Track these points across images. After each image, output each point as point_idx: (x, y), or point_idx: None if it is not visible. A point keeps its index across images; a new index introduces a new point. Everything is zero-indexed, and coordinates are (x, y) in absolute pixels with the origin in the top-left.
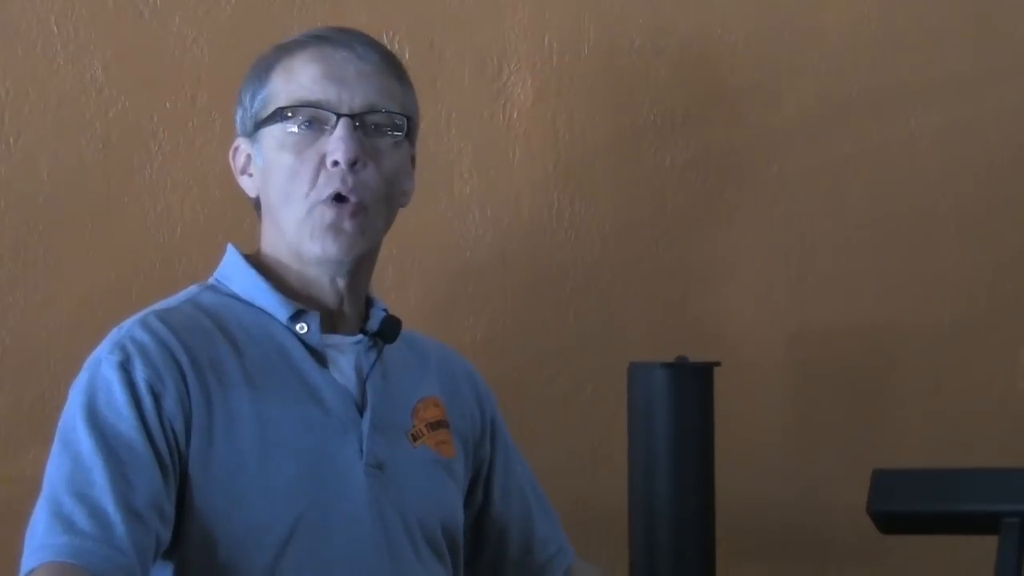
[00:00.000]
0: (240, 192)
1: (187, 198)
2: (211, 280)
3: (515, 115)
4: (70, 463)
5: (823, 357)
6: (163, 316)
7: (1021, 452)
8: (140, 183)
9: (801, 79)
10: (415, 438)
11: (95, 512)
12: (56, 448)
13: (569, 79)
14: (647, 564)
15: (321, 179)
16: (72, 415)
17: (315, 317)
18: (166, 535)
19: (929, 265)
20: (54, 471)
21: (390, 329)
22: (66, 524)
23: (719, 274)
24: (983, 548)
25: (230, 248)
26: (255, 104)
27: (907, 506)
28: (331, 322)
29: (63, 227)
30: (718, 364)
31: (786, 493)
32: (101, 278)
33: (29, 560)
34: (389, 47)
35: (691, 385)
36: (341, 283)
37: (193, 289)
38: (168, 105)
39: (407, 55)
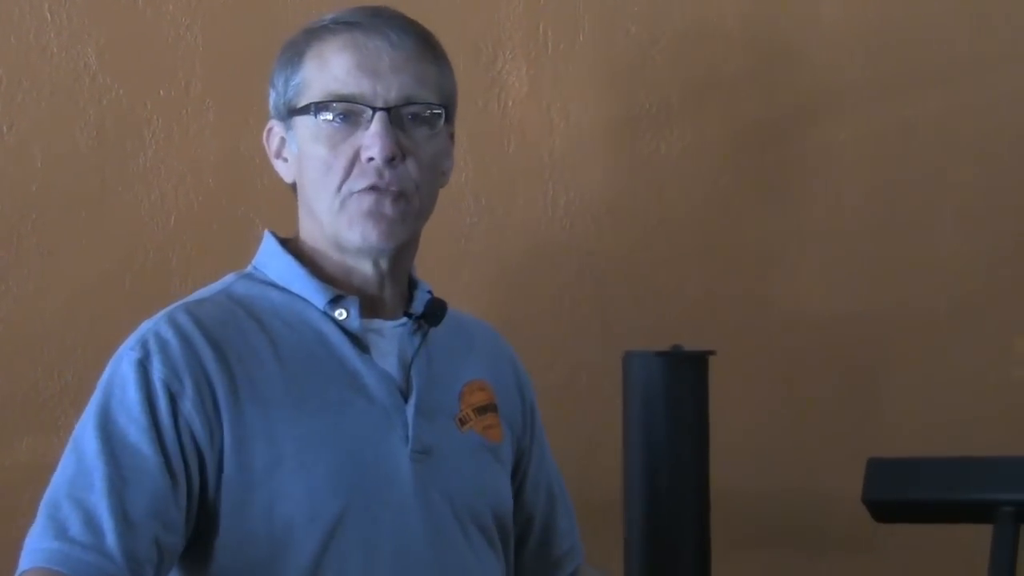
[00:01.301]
0: (235, 180)
1: (181, 186)
2: (249, 268)
3: (510, 104)
4: (74, 464)
5: (818, 346)
6: (192, 309)
7: (1016, 441)
8: (134, 171)
9: (797, 67)
10: (462, 423)
11: (89, 518)
12: (69, 445)
13: (564, 68)
14: (643, 553)
15: (355, 172)
16: (88, 412)
17: (354, 302)
18: (171, 541)
19: (925, 253)
20: (60, 470)
21: (435, 312)
22: (59, 529)
23: (714, 262)
24: (978, 537)
25: (267, 234)
26: (289, 90)
27: (902, 495)
28: (372, 307)
29: (57, 216)
30: (713, 353)
31: (781, 482)
32: (95, 267)
33: (24, 560)
34: None
35: (686, 374)
36: (384, 267)
37: (229, 278)
38: (162, 93)
39: None
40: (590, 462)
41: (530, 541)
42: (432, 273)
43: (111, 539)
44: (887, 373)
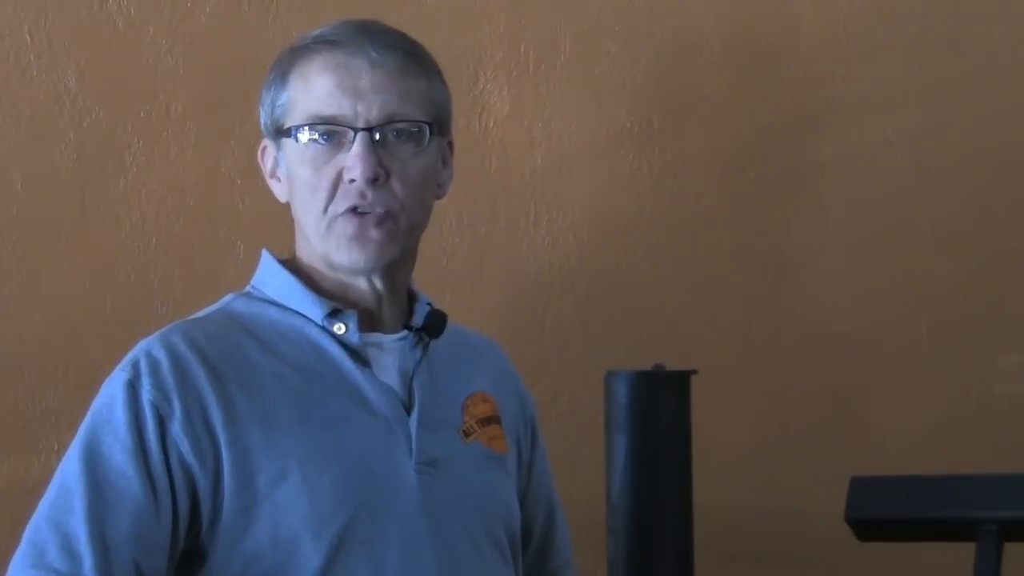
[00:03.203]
0: (216, 201)
1: (162, 208)
2: (247, 287)
3: (491, 123)
4: (58, 487)
5: (800, 364)
6: (188, 329)
7: (999, 458)
8: (115, 193)
9: (778, 86)
10: (467, 434)
11: (67, 543)
12: (60, 464)
13: (545, 87)
14: (626, 572)
15: (339, 194)
16: (78, 434)
17: (352, 316)
18: (153, 564)
19: (905, 270)
20: (48, 490)
21: (435, 324)
22: (37, 555)
23: (696, 282)
24: (961, 555)
25: (264, 253)
26: (276, 110)
27: (885, 513)
28: (371, 321)
29: (37, 238)
30: (695, 372)
31: (764, 501)
32: (75, 288)
33: None
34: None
35: (668, 393)
36: (379, 284)
37: (227, 298)
38: (142, 115)
39: None
40: (572, 481)
41: (529, 554)
42: None
43: (88, 565)
44: (869, 391)
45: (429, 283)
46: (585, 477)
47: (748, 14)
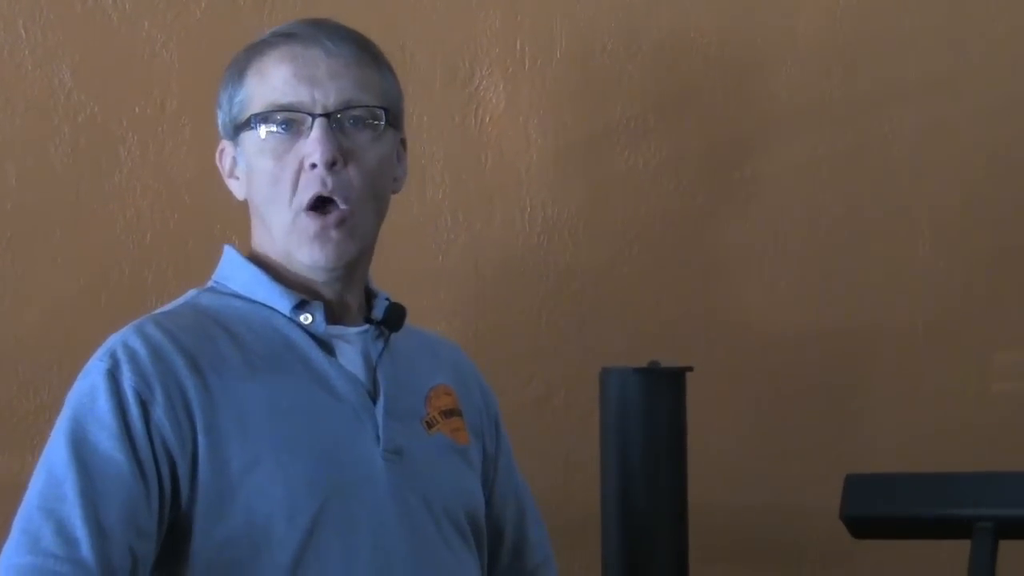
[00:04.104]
0: (210, 197)
1: (157, 204)
2: (209, 283)
3: (487, 119)
4: (45, 476)
5: (796, 361)
6: (159, 320)
7: (994, 456)
8: (109, 189)
9: (773, 82)
10: (429, 425)
11: (61, 529)
12: (41, 457)
13: (541, 83)
14: (620, 569)
15: (302, 182)
16: (58, 425)
17: (319, 307)
18: (145, 548)
19: (903, 268)
20: (31, 484)
21: (395, 317)
22: (32, 542)
23: (692, 278)
24: (956, 553)
25: (227, 248)
26: (233, 107)
27: (880, 511)
28: (334, 313)
29: (31, 234)
30: (690, 369)
31: (759, 498)
32: (70, 284)
33: None
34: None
35: (663, 390)
36: (338, 279)
37: (191, 293)
38: (137, 110)
39: None
40: (567, 478)
41: (503, 554)
42: (409, 289)
43: (85, 548)
44: (865, 389)
45: (424, 280)
46: (580, 474)
47: (744, 11)
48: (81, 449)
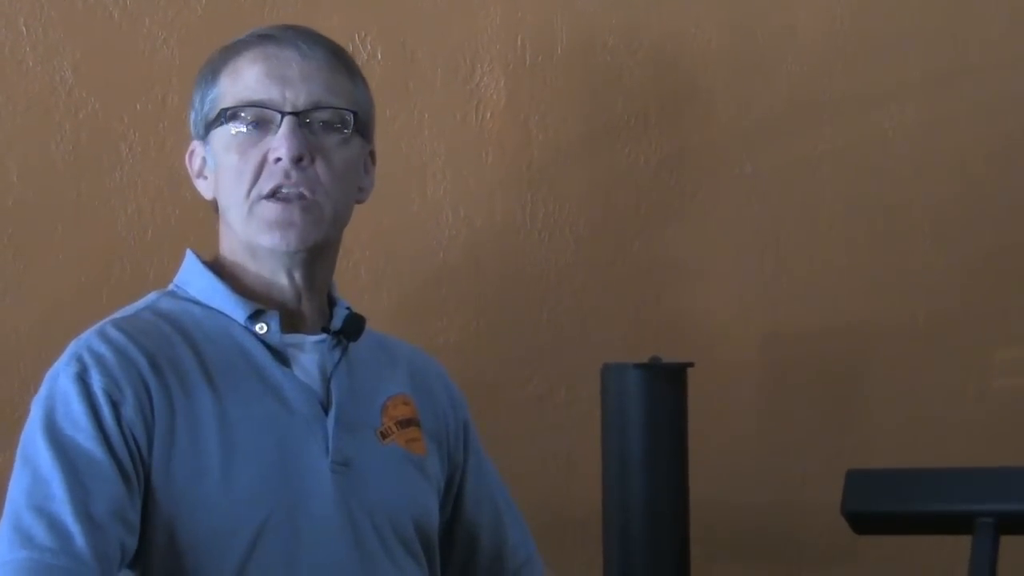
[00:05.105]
0: None
1: (158, 200)
2: (170, 287)
3: (488, 116)
4: (29, 477)
5: (797, 357)
6: (120, 324)
7: (996, 452)
8: (110, 185)
9: (774, 78)
10: (384, 435)
11: (53, 524)
12: (17, 463)
13: (542, 80)
14: (621, 565)
15: (264, 174)
16: (31, 429)
17: (274, 316)
18: (132, 543)
19: (903, 264)
20: (15, 486)
21: (353, 326)
22: (25, 538)
23: (693, 274)
24: (957, 548)
25: (188, 253)
26: (205, 106)
27: (881, 507)
28: (291, 322)
29: (33, 230)
30: (691, 364)
31: (760, 494)
32: (71, 281)
33: None
34: (358, 48)
35: (664, 386)
36: (298, 277)
37: (151, 296)
38: (138, 107)
39: (379, 56)
40: (568, 474)
41: (481, 558)
42: (410, 285)
43: (79, 541)
44: (866, 385)
45: (425, 277)
46: (581, 470)
47: (745, 8)
48: (64, 449)
